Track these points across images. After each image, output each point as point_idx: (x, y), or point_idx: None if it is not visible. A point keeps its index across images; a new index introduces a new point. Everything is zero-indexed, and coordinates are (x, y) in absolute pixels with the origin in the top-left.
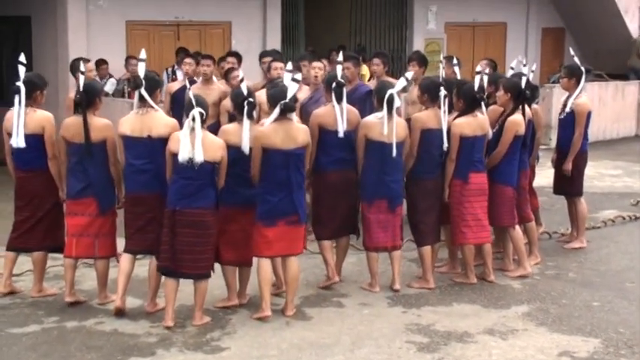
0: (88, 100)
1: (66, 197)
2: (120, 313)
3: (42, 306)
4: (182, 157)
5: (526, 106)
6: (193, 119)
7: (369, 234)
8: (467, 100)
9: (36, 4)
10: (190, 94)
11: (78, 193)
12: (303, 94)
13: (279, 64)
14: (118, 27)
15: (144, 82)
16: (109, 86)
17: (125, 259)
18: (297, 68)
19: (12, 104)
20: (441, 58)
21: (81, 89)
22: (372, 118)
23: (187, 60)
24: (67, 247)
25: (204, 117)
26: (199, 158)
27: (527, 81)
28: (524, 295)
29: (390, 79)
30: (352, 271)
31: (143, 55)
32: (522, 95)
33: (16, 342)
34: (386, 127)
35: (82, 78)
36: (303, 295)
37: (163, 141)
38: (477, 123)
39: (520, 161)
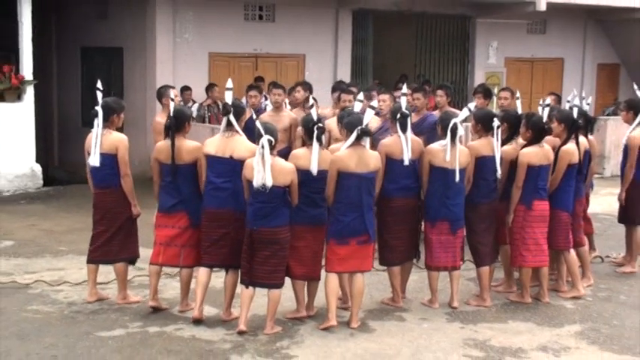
0: (177, 124)
1: (157, 211)
2: (197, 322)
3: (127, 312)
4: (256, 183)
5: (582, 136)
6: (262, 147)
7: (431, 254)
8: (535, 131)
9: (128, 36)
10: (258, 123)
11: (170, 208)
12: (373, 123)
13: (349, 97)
14: (201, 58)
15: (232, 109)
16: (192, 110)
17: (202, 272)
18: (367, 98)
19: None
20: (495, 91)
21: (171, 114)
22: (436, 146)
23: (252, 93)
24: (153, 255)
25: (272, 144)
26: (269, 183)
27: (581, 112)
28: (576, 315)
29: (454, 110)
30: (413, 287)
31: (230, 84)
32: (575, 126)
33: (103, 344)
34: (449, 154)
35: (172, 104)
36: (367, 309)
37: (243, 163)
38: (543, 153)
39: (576, 189)
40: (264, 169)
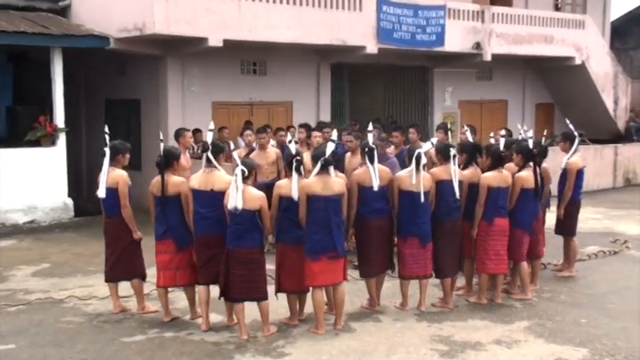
0: (166, 162)
1: (155, 239)
2: (206, 330)
3: (146, 320)
4: (230, 205)
5: (536, 166)
6: (236, 175)
7: (404, 265)
8: (494, 158)
9: (144, 89)
10: (235, 154)
11: (161, 235)
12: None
13: (318, 134)
14: (205, 106)
15: (210, 147)
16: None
17: (201, 290)
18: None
19: (128, 169)
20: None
21: (161, 153)
22: (403, 173)
23: (247, 132)
24: (157, 279)
25: (245, 174)
26: (240, 206)
27: (536, 143)
28: (525, 313)
29: (422, 143)
30: (387, 293)
31: (211, 126)
32: (531, 155)
33: (126, 348)
34: (414, 178)
35: (161, 145)
36: (349, 312)
37: (223, 194)
38: (502, 177)
39: (534, 209)
40: (237, 194)
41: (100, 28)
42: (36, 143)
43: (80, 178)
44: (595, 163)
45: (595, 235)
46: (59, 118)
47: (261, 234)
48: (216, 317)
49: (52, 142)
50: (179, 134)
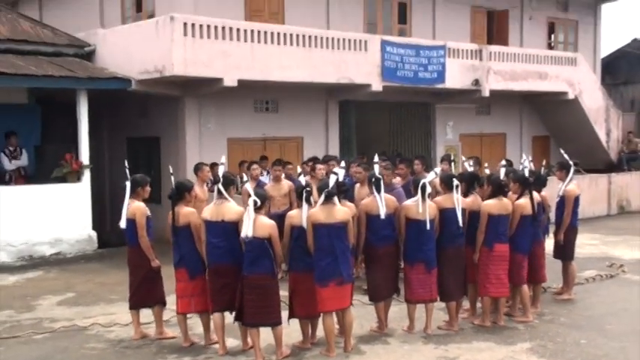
0: (178, 194)
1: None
2: (224, 354)
3: (166, 346)
4: (242, 233)
5: (535, 192)
6: (249, 205)
7: (410, 290)
8: (494, 187)
9: (164, 128)
10: (247, 186)
11: (176, 264)
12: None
13: (322, 166)
14: (221, 142)
15: (222, 179)
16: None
17: (216, 317)
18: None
19: (149, 202)
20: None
21: (173, 186)
22: (409, 202)
23: (254, 166)
24: (177, 306)
25: (257, 204)
26: (250, 234)
27: (532, 172)
28: (527, 335)
29: (426, 174)
30: (395, 317)
31: (223, 160)
32: (527, 183)
33: None
34: (420, 207)
35: (172, 178)
36: (358, 335)
37: (234, 224)
38: (502, 205)
39: (534, 234)
40: (249, 223)
41: (123, 71)
42: (62, 179)
43: (104, 212)
44: (590, 191)
45: (592, 260)
46: (84, 156)
47: (272, 261)
48: (232, 342)
49: (78, 179)
50: (198, 168)
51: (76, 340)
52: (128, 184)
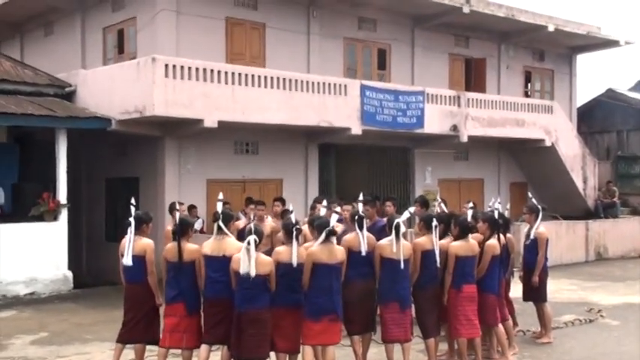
0: (182, 229)
1: (164, 303)
2: None
3: None
4: (242, 270)
5: (501, 235)
6: (249, 243)
7: (386, 329)
8: (461, 228)
9: (143, 168)
10: (252, 224)
11: (172, 299)
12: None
13: (319, 205)
14: (200, 184)
15: (221, 216)
16: (197, 225)
17: (203, 349)
18: (329, 209)
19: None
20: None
21: (177, 222)
22: (384, 241)
23: (251, 206)
24: (162, 340)
25: (257, 242)
26: (253, 273)
27: (500, 214)
28: None
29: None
30: (374, 358)
31: (221, 196)
32: (496, 224)
33: None
34: (394, 246)
35: (177, 214)
36: None
37: None
38: (469, 246)
39: (499, 273)
40: (250, 262)
41: (103, 111)
42: (39, 218)
43: (80, 252)
44: (568, 238)
45: (571, 305)
46: (62, 195)
47: (269, 294)
48: None
49: (54, 218)
50: (173, 208)
51: None
52: (132, 221)
